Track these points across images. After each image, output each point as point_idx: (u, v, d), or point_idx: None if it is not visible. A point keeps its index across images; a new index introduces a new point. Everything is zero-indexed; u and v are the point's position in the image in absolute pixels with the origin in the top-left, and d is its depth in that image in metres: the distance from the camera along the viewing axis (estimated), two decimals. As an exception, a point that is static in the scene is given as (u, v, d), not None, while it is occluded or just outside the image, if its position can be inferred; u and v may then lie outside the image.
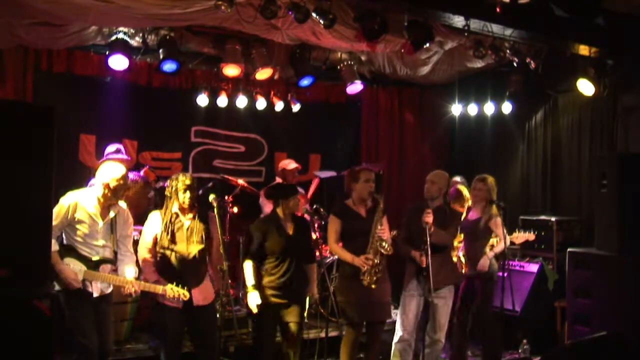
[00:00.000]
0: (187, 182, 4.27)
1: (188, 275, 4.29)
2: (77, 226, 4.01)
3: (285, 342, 4.63)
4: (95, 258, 4.05)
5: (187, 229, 4.33)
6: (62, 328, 3.86)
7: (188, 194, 4.26)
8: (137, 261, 4.35)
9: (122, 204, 4.31)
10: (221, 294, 4.78)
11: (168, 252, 4.29)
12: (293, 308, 4.57)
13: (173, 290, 4.10)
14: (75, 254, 4.00)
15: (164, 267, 4.29)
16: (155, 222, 4.36)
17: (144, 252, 4.33)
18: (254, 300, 4.46)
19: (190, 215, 4.36)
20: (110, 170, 4.12)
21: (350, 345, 4.62)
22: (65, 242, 4.03)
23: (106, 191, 4.07)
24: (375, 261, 4.49)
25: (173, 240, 4.28)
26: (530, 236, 5.84)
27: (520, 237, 5.81)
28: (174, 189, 4.29)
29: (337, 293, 4.69)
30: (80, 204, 4.03)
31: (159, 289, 4.13)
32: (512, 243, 5.69)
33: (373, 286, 4.48)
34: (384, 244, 4.49)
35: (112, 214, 4.15)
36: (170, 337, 4.33)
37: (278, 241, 4.53)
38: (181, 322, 4.32)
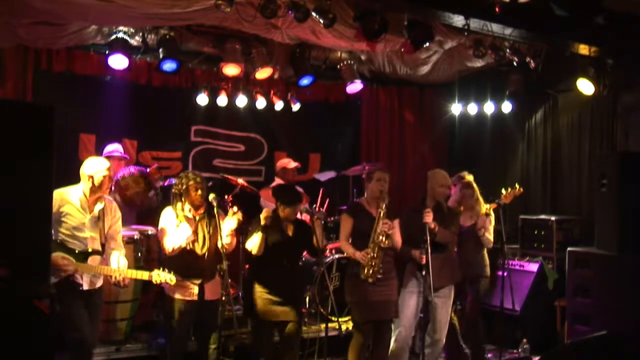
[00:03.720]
0: (198, 179, 4.42)
1: (202, 270, 4.40)
2: (64, 219, 4.06)
3: (282, 343, 4.65)
4: (83, 250, 4.09)
5: (199, 226, 4.43)
6: (57, 325, 3.85)
7: (200, 192, 4.40)
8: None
9: (110, 198, 4.38)
10: (222, 293, 4.79)
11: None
12: (289, 308, 4.58)
13: (160, 276, 4.17)
14: (63, 247, 4.04)
15: (179, 263, 4.36)
16: (170, 216, 4.44)
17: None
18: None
19: (200, 212, 4.47)
20: (94, 163, 4.18)
21: (359, 348, 4.64)
22: (53, 236, 4.02)
23: (90, 184, 4.12)
24: (372, 254, 4.48)
25: None
26: (518, 191, 5.66)
27: (508, 195, 5.61)
28: (184, 187, 4.40)
29: (346, 293, 4.74)
30: (66, 198, 4.09)
31: (145, 275, 4.19)
32: (501, 204, 5.54)
33: (370, 280, 4.48)
34: (382, 237, 4.48)
35: (99, 207, 4.20)
36: (179, 330, 4.41)
37: (277, 239, 4.58)
38: (191, 315, 4.40)
